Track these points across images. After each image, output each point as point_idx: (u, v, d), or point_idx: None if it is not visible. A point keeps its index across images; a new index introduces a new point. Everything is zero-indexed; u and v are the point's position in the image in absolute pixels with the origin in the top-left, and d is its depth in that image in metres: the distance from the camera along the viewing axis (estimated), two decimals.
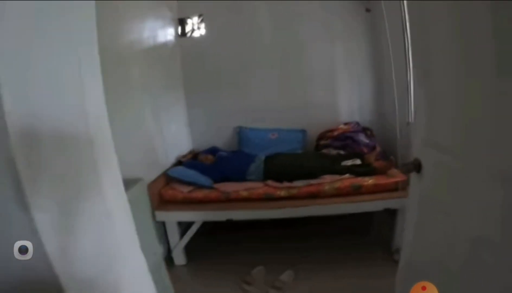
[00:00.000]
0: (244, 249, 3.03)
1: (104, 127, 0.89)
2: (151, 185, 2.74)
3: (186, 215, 2.80)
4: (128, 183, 1.38)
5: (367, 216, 3.38)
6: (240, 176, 2.98)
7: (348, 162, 2.98)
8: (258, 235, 3.22)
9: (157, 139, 3.04)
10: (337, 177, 2.75)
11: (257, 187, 2.79)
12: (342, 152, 3.24)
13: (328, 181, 2.70)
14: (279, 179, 2.84)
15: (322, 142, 3.52)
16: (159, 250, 1.54)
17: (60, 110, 0.78)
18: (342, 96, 3.74)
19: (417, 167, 1.51)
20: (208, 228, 3.31)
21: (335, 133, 3.45)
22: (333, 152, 3.27)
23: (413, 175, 1.62)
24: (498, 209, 1.03)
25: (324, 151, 3.37)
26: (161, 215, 2.78)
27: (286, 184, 2.77)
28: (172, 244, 2.87)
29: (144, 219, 1.43)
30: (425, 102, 1.44)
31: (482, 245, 1.09)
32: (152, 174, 2.88)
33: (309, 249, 2.93)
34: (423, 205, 1.55)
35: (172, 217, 2.80)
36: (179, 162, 3.35)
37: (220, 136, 3.92)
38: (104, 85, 1.02)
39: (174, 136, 3.54)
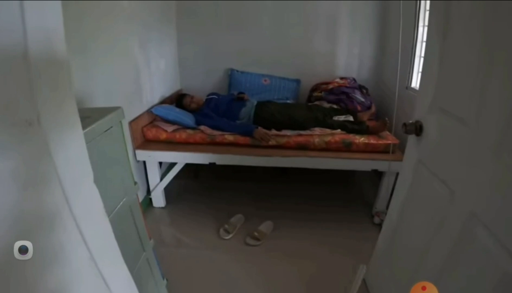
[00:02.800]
0: (226, 197, 2.94)
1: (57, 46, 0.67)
2: (133, 123, 2.56)
3: (168, 156, 2.64)
4: (105, 111, 1.21)
5: (353, 174, 3.32)
6: (231, 120, 2.80)
7: (341, 118, 2.84)
8: (242, 185, 3.13)
9: (143, 73, 2.78)
10: (328, 131, 2.61)
11: None
12: (335, 106, 3.08)
13: (318, 134, 2.56)
14: (268, 127, 2.68)
15: (316, 94, 3.33)
16: (134, 188, 1.39)
17: None
18: (342, 49, 3.50)
19: (418, 129, 1.41)
20: (190, 172, 3.20)
21: (330, 86, 3.26)
22: (326, 105, 3.10)
23: (411, 138, 1.50)
24: (495, 187, 0.92)
25: (317, 103, 3.20)
26: (142, 155, 2.61)
27: (274, 132, 2.62)
28: (151, 185, 2.74)
29: (117, 151, 1.27)
30: (437, 66, 1.28)
31: (475, 221, 0.99)
32: (135, 111, 2.67)
33: (291, 202, 2.86)
34: (419, 169, 1.45)
35: (154, 157, 2.63)
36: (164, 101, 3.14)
37: (210, 77, 3.69)
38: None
39: (162, 73, 3.29)
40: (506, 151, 0.87)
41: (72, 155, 0.75)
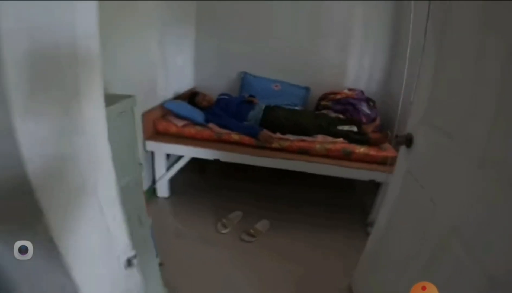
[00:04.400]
0: (227, 194, 3.01)
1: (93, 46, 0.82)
2: (146, 114, 2.67)
3: (175, 149, 2.73)
4: (120, 97, 1.34)
5: (354, 182, 3.36)
6: (239, 121, 2.88)
7: (345, 127, 2.88)
8: (244, 184, 3.20)
9: (159, 68, 2.89)
10: (330, 139, 2.66)
11: None
12: (341, 116, 3.14)
13: (320, 141, 2.62)
14: (273, 130, 2.75)
15: (323, 102, 3.39)
16: (139, 168, 1.49)
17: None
18: (353, 61, 3.55)
19: (408, 141, 1.48)
20: (196, 167, 3.29)
21: (338, 97, 3.31)
22: (332, 114, 3.16)
23: (402, 148, 1.56)
24: (478, 202, 0.97)
25: (324, 111, 3.26)
26: (151, 145, 2.71)
27: (278, 135, 2.69)
28: (157, 176, 2.83)
29: (127, 133, 1.38)
30: (431, 82, 1.34)
31: (455, 236, 1.04)
32: (148, 103, 2.78)
33: (290, 205, 2.92)
34: (407, 180, 1.50)
35: (162, 148, 2.73)
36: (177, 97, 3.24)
37: (223, 78, 3.78)
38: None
39: (178, 70, 3.39)
40: (489, 164, 0.92)
41: (99, 132, 0.89)
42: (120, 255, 1.05)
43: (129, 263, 1.09)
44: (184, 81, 3.59)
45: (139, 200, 1.52)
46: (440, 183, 1.20)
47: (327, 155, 2.56)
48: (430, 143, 1.34)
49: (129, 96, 1.39)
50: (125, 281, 1.10)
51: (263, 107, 3.00)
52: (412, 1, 2.77)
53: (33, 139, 0.66)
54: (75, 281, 0.82)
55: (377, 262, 1.75)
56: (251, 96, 3.28)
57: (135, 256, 1.11)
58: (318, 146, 2.57)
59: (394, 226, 1.61)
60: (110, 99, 1.25)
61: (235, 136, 2.68)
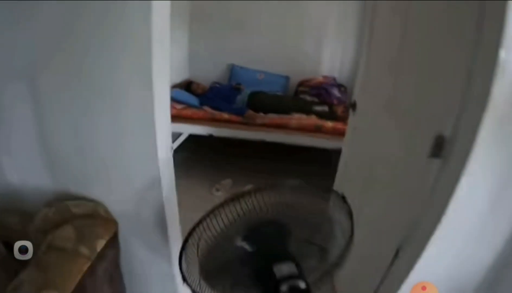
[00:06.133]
0: (220, 167, 3.48)
1: None
2: None
3: (176, 127, 3.19)
4: None
5: (329, 160, 3.83)
6: (228, 104, 3.36)
7: (318, 108, 3.38)
8: (234, 159, 3.65)
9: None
10: (304, 116, 3.16)
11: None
12: (316, 99, 3.63)
13: (296, 118, 3.12)
14: (257, 111, 3.23)
15: (301, 88, 3.89)
16: None
17: None
18: (327, 52, 4.06)
19: (353, 106, 1.96)
20: (191, 146, 3.77)
21: (313, 83, 3.83)
22: (308, 98, 3.65)
23: (351, 112, 2.06)
24: (386, 132, 1.47)
25: (301, 96, 3.76)
26: None
27: (261, 114, 3.18)
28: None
29: None
30: (365, 62, 1.86)
31: (380, 163, 1.54)
32: None
33: (273, 173, 3.37)
34: (355, 134, 2.01)
35: None
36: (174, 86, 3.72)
37: (215, 70, 4.26)
38: None
39: (175, 63, 3.88)
40: (391, 107, 1.42)
41: None
42: None
43: None
44: (180, 73, 4.08)
45: None
46: (369, 127, 1.70)
47: (301, 129, 3.04)
48: (363, 104, 1.84)
49: None
50: None
51: (248, 92, 3.49)
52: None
53: None
54: None
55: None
56: (238, 84, 3.77)
57: None
58: (293, 122, 3.06)
59: (349, 166, 2.11)
60: None
61: (225, 116, 3.14)
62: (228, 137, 3.15)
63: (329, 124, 3.04)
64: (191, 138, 3.54)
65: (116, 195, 1.17)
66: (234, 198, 0.86)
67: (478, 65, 0.89)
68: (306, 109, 3.28)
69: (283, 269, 0.84)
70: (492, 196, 0.98)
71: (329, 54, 4.07)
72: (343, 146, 2.22)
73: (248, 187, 0.89)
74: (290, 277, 0.83)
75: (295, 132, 3.03)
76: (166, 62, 1.14)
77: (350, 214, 0.95)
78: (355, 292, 1.70)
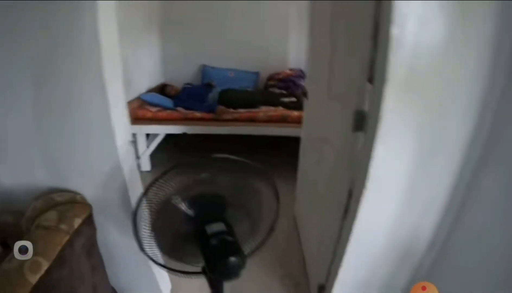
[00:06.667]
0: None
1: None
2: (127, 104, 3.24)
3: (152, 128, 3.35)
4: None
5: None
6: (200, 103, 3.49)
7: (286, 99, 3.55)
8: (209, 154, 3.78)
9: (133, 69, 3.53)
10: (272, 108, 3.32)
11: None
12: (284, 91, 3.80)
13: (263, 110, 3.28)
14: (227, 107, 3.39)
15: (270, 82, 4.07)
16: None
17: None
18: (292, 46, 4.25)
19: (305, 94, 2.14)
20: (169, 146, 3.90)
21: (281, 76, 4.01)
22: (277, 91, 3.82)
23: (304, 100, 2.23)
24: (327, 115, 1.64)
25: (270, 89, 3.93)
26: (133, 128, 3.29)
27: (231, 110, 3.33)
28: (140, 152, 3.43)
29: None
30: (310, 53, 2.04)
31: (326, 143, 1.70)
32: (128, 97, 3.37)
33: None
34: (308, 120, 2.19)
35: (142, 129, 3.34)
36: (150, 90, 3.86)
37: (187, 71, 4.44)
38: None
39: (149, 68, 4.03)
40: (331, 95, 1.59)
41: None
42: None
43: None
44: (154, 78, 4.23)
45: None
46: (317, 111, 1.87)
47: (269, 121, 3.20)
48: (312, 91, 2.01)
49: None
50: None
51: (219, 90, 3.64)
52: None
53: None
54: None
55: (302, 189, 2.42)
56: (210, 80, 3.96)
57: None
58: (261, 114, 3.22)
59: (306, 148, 2.27)
60: None
61: (197, 114, 3.29)
62: (202, 134, 3.29)
63: (295, 113, 3.20)
64: (169, 139, 3.68)
65: (88, 184, 1.36)
66: (174, 167, 1.10)
67: (379, 43, 1.02)
68: (274, 102, 3.44)
69: (214, 227, 1.05)
70: (411, 159, 1.13)
71: (295, 47, 4.26)
72: (301, 131, 2.39)
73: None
74: (219, 233, 1.03)
75: (264, 124, 3.19)
76: (117, 65, 1.31)
77: (276, 197, 1.16)
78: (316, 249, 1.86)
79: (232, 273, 1.02)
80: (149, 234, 1.13)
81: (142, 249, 1.16)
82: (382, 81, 0.99)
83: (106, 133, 1.26)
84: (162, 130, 3.39)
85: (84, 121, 1.25)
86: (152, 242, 1.15)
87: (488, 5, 0.95)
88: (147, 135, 3.50)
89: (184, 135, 3.31)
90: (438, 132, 1.10)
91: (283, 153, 3.81)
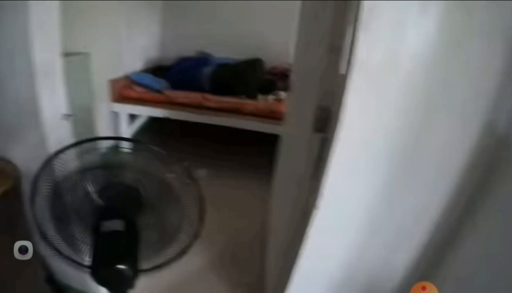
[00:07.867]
0: (177, 149, 3.32)
1: None
2: (113, 82, 3.05)
3: (135, 109, 3.11)
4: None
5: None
6: (191, 82, 3.24)
7: (282, 93, 3.24)
8: (190, 142, 3.54)
9: (125, 46, 3.33)
10: (261, 99, 3.07)
11: (195, 97, 3.04)
12: (281, 84, 3.50)
13: (249, 104, 2.97)
14: (220, 86, 3.15)
15: (267, 77, 3.77)
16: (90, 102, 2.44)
17: None
18: (294, 39, 3.92)
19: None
20: (152, 129, 3.66)
21: (279, 70, 3.71)
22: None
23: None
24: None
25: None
26: (117, 107, 3.09)
27: (216, 97, 3.03)
28: (120, 132, 3.18)
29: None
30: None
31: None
32: (116, 73, 3.16)
33: (227, 159, 3.29)
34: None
35: (125, 109, 3.12)
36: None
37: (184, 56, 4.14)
38: None
39: (145, 49, 3.85)
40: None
41: None
42: None
43: None
44: (150, 59, 4.04)
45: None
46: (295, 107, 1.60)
47: (255, 114, 2.91)
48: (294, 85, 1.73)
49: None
50: None
51: (216, 65, 3.41)
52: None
53: None
54: None
55: (274, 193, 2.14)
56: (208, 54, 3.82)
57: None
58: (248, 106, 2.93)
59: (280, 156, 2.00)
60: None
61: (182, 99, 3.02)
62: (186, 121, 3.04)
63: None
64: (155, 123, 3.42)
65: (20, 155, 1.35)
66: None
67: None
68: (270, 89, 3.21)
69: (111, 225, 0.85)
70: (383, 173, 0.84)
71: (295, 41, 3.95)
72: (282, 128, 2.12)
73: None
74: (114, 233, 0.84)
75: (250, 117, 2.90)
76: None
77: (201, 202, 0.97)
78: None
79: (119, 284, 0.80)
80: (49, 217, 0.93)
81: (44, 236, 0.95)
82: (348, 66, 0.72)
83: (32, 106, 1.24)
84: (145, 112, 3.15)
85: (13, 91, 1.23)
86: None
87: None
88: (132, 116, 3.24)
89: (166, 118, 3.05)
90: (422, 140, 0.80)
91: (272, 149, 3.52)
